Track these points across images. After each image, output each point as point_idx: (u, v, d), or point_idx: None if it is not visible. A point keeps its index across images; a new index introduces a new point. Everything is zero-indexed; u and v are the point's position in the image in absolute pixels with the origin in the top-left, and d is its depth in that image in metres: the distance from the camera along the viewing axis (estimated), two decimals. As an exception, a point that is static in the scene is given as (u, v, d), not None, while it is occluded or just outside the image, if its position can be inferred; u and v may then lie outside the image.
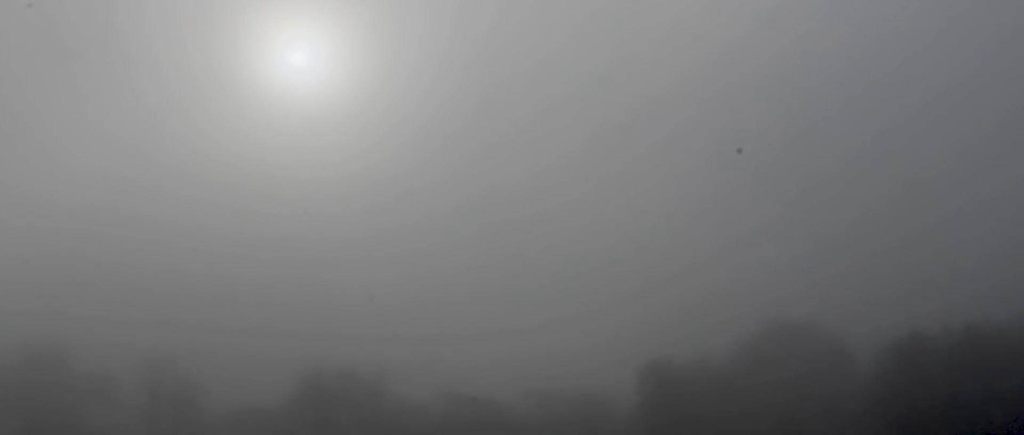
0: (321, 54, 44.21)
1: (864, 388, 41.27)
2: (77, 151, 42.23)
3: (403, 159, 43.26)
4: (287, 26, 44.07)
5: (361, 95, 43.99)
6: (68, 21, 43.33)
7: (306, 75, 44.22)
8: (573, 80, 43.94)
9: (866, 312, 41.39)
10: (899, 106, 44.41)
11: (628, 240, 42.95)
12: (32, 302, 39.97)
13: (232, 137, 43.11)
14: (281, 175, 42.84)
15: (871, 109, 44.29)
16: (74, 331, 39.70)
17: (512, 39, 44.21)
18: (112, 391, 40.54)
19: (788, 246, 42.56)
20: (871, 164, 44.09)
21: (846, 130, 44.31)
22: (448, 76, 43.92)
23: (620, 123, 43.90)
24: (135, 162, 42.66)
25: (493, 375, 40.81)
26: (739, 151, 42.94)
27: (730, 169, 43.80)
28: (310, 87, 44.21)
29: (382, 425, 40.58)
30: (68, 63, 43.20)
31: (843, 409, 40.83)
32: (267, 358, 40.16)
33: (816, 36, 44.75)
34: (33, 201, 41.47)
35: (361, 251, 42.09)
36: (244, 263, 41.54)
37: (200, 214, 42.06)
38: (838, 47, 44.65)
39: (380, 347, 40.62)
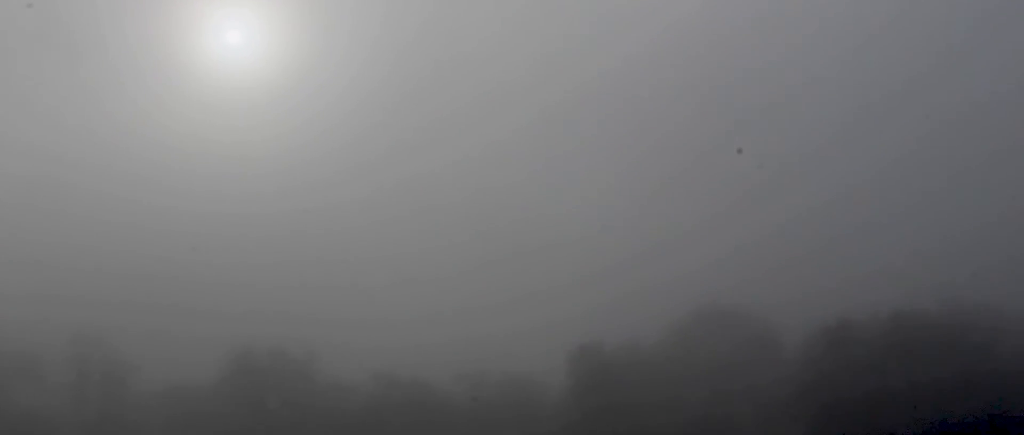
0: (256, 33, 43.96)
1: (792, 375, 41.66)
2: (9, 122, 41.75)
3: (336, 138, 43.13)
4: (223, 4, 43.78)
5: (296, 74, 43.79)
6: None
7: (241, 54, 43.95)
8: (509, 67, 43.99)
9: (796, 300, 41.78)
10: (833, 109, 44.91)
11: (562, 229, 43.07)
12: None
13: (165, 114, 42.79)
14: (216, 152, 42.56)
15: (806, 110, 44.73)
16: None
17: (446, 24, 44.16)
18: (39, 369, 40.09)
19: (723, 238, 42.89)
20: (807, 162, 44.54)
21: (784, 128, 44.71)
22: (382, 58, 43.81)
23: (557, 112, 43.99)
24: (68, 136, 42.23)
25: (425, 357, 40.81)
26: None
27: (667, 162, 44.04)
28: (245, 66, 43.95)
29: (311, 405, 40.45)
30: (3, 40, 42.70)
31: (771, 394, 41.18)
32: (197, 336, 39.91)
33: (758, 32, 45.08)
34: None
35: (292, 230, 41.92)
36: (175, 240, 41.25)
37: (132, 190, 41.70)
38: (779, 43, 45.00)
39: (311, 327, 40.47)
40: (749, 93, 44.66)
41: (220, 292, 40.52)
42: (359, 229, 42.70)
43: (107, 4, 43.56)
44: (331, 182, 42.59)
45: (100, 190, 41.72)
